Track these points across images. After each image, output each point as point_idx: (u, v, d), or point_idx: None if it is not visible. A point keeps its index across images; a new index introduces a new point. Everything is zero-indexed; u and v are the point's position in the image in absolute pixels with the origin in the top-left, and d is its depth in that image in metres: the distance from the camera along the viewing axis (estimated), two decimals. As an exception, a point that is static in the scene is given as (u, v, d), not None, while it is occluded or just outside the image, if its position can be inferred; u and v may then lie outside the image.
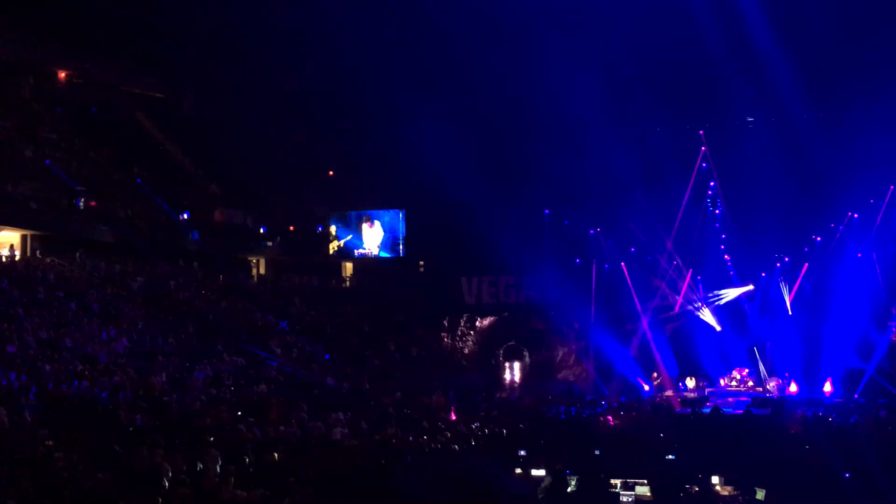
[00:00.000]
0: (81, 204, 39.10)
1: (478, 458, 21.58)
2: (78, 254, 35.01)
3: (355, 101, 48.99)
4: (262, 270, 46.92)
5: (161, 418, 20.82)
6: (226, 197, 48.41)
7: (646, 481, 19.64)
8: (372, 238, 48.81)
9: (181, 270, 38.92)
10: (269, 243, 47.20)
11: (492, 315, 46.44)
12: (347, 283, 49.66)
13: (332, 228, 49.33)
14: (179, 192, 45.76)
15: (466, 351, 45.78)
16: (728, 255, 44.68)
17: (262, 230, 47.72)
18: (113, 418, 19.82)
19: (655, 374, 41.82)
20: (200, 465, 16.21)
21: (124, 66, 48.67)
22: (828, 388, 38.46)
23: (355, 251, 49.04)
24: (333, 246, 49.16)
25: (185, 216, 43.14)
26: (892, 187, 41.92)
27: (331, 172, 52.46)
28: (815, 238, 43.56)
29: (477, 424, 27.92)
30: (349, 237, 48.86)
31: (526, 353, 45.18)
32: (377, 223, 48.78)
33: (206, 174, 49.29)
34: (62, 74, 46.72)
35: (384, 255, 48.66)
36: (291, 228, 49.64)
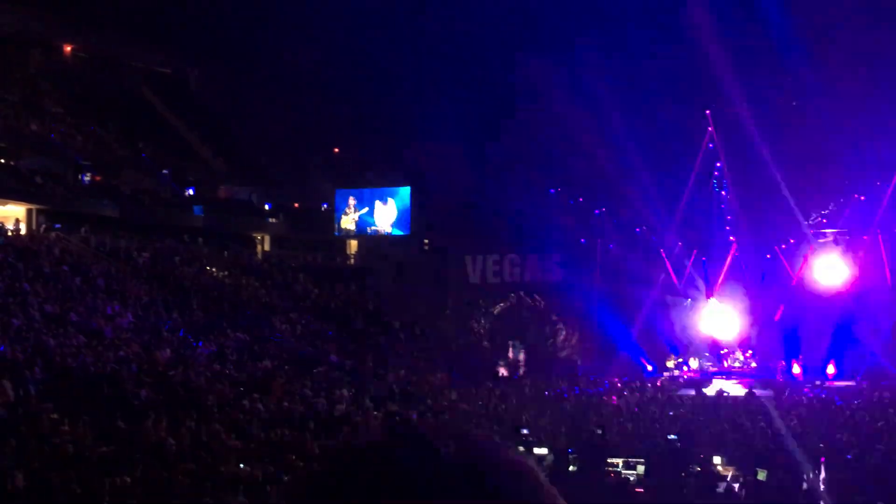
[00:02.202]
0: (87, 179, 39.11)
1: (481, 434, 21.61)
2: (83, 228, 35.05)
3: (362, 77, 48.78)
4: (266, 247, 46.89)
5: (165, 393, 20.91)
6: (231, 173, 48.33)
7: (648, 460, 19.71)
8: (385, 216, 48.07)
9: (186, 246, 38.95)
10: (274, 220, 47.15)
11: (496, 294, 46.36)
12: (352, 261, 49.56)
13: (352, 200, 48.74)
14: (185, 167, 45.72)
15: (470, 330, 45.74)
16: (733, 237, 44.54)
17: (267, 207, 47.64)
18: (118, 392, 19.91)
19: (672, 356, 41.77)
20: (204, 440, 16.31)
21: (131, 41, 48.32)
22: (831, 370, 38.45)
23: (368, 228, 48.51)
24: (349, 219, 48.42)
25: (191, 192, 43.08)
26: None
27: (336, 150, 52.24)
28: (822, 219, 43.36)
29: (480, 403, 27.99)
30: (365, 210, 48.23)
31: (530, 333, 45.10)
32: (391, 200, 47.99)
33: (211, 150, 49.19)
34: (68, 48, 46.47)
35: (397, 232, 48.06)
36: (297, 205, 49.53)
